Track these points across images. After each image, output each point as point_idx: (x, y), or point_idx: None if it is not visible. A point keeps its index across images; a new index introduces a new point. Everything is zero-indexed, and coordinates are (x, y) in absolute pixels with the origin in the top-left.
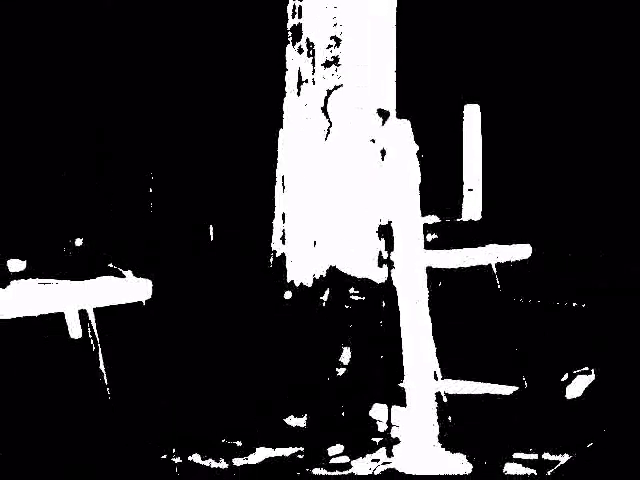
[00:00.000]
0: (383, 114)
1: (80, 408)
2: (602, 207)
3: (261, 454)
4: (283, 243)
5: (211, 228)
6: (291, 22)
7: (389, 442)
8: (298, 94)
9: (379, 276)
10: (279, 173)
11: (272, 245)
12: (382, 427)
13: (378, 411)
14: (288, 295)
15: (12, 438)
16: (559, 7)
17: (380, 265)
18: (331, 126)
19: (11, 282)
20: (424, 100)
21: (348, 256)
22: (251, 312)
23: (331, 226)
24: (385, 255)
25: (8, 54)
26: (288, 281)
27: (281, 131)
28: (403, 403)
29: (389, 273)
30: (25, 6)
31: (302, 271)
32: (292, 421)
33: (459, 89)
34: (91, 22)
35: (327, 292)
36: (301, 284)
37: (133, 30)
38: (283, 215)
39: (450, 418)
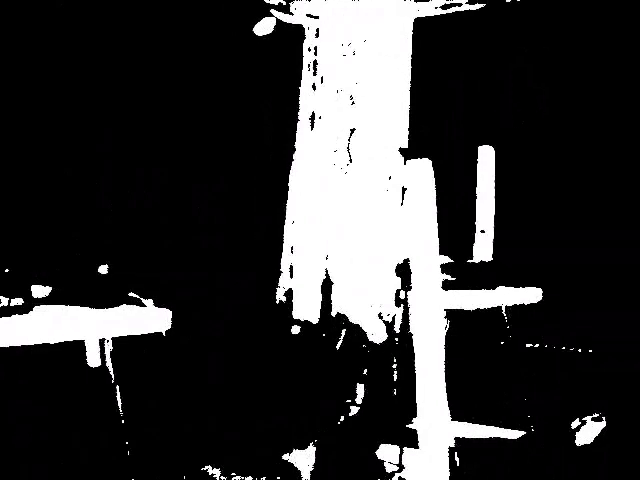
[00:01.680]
0: (405, 153)
1: (95, 437)
2: (612, 256)
3: None
4: (291, 277)
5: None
6: (307, 59)
7: None
8: (312, 128)
9: (392, 317)
10: (290, 206)
11: (280, 279)
12: (391, 468)
13: (387, 452)
14: (296, 330)
15: (30, 464)
16: (569, 51)
17: (397, 305)
18: (351, 162)
19: (34, 308)
20: (438, 141)
21: (361, 296)
22: (261, 345)
23: (344, 262)
24: (402, 295)
25: None
26: (295, 317)
27: (293, 164)
28: (411, 444)
29: (405, 312)
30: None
31: (311, 308)
32: (290, 457)
33: (474, 131)
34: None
35: (343, 331)
36: (308, 321)
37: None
38: (291, 249)
39: (458, 461)
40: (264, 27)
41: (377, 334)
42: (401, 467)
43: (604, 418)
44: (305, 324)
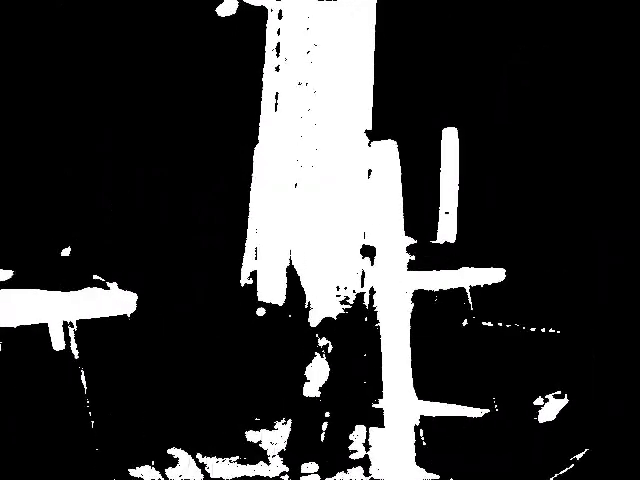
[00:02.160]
0: (370, 134)
1: (59, 420)
2: (576, 236)
3: (227, 470)
4: (255, 259)
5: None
6: (270, 40)
7: (367, 461)
8: (275, 109)
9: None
10: (253, 187)
11: (244, 262)
12: (359, 447)
13: (353, 431)
14: (261, 312)
15: None
16: (536, 27)
17: (362, 285)
18: (315, 144)
19: None
20: (403, 122)
21: (324, 277)
22: (227, 327)
23: (308, 245)
24: (368, 274)
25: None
26: (260, 299)
27: (256, 148)
28: (377, 423)
29: (371, 292)
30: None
31: (275, 289)
32: (253, 436)
33: (438, 112)
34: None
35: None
36: (271, 303)
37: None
38: (256, 231)
39: (423, 439)
40: (227, 8)
41: (337, 313)
42: (367, 446)
43: (566, 395)
44: (270, 306)
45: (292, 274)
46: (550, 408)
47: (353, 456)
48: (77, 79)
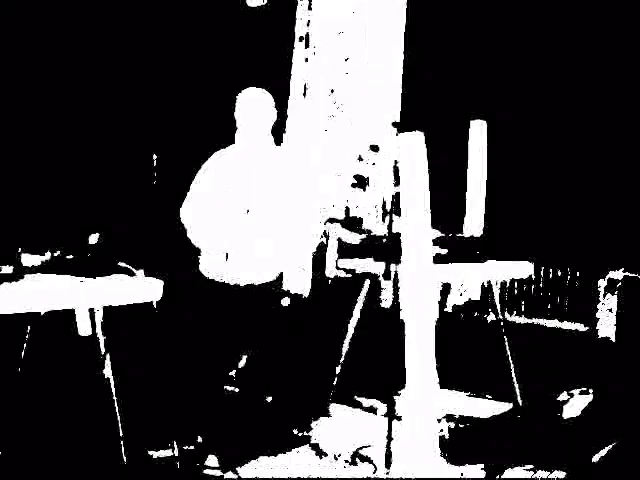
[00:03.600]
0: (397, 126)
1: (85, 406)
2: (605, 228)
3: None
4: None
5: None
6: (300, 31)
7: (388, 454)
8: (304, 96)
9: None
10: None
11: None
12: (382, 439)
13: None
14: (286, 302)
15: (15, 432)
16: (568, 22)
17: (387, 278)
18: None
19: (25, 276)
20: (431, 115)
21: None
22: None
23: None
24: (392, 267)
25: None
26: (285, 289)
27: (285, 133)
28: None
29: (395, 285)
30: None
31: (300, 279)
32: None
33: (466, 104)
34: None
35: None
36: (296, 293)
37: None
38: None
39: (447, 433)
40: None
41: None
42: (390, 438)
43: (591, 391)
44: (295, 296)
45: (320, 264)
46: (575, 403)
47: (376, 448)
48: (92, 73)
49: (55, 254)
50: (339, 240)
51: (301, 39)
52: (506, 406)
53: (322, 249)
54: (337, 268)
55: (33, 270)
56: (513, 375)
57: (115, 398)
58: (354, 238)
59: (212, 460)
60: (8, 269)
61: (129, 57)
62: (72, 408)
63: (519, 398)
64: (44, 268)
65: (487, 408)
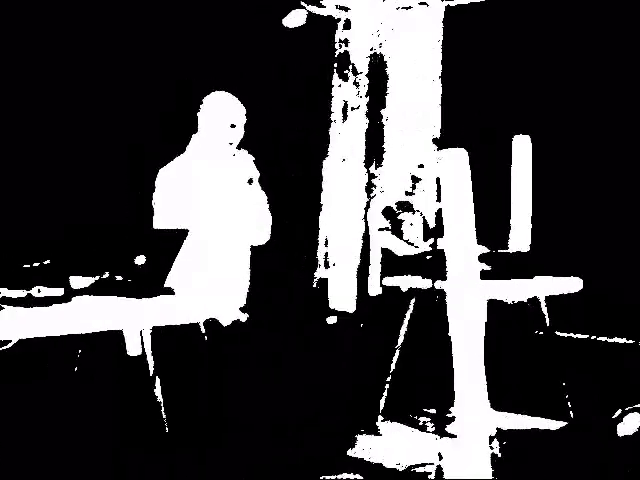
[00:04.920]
0: (438, 142)
1: (135, 426)
2: None
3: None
4: (326, 268)
5: None
6: (339, 50)
7: (439, 472)
8: (344, 119)
9: None
10: (324, 198)
11: (316, 271)
12: (432, 457)
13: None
14: (332, 320)
15: (69, 452)
16: (609, 38)
17: (435, 296)
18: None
19: (74, 298)
20: (474, 130)
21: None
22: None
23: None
24: (438, 284)
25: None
26: (331, 307)
27: (326, 160)
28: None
29: (441, 301)
30: None
31: (346, 296)
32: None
33: (510, 120)
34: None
35: None
36: (342, 311)
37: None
38: (326, 239)
39: (498, 450)
40: (295, 19)
41: None
42: (440, 456)
43: None
44: (341, 314)
45: (363, 282)
46: (629, 421)
47: (426, 467)
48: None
49: (103, 276)
50: (385, 252)
51: (340, 58)
52: (559, 424)
53: (367, 265)
54: (381, 286)
55: (82, 292)
56: (565, 392)
57: (165, 416)
58: (406, 249)
59: None
60: (58, 291)
61: (170, 78)
62: (123, 428)
63: (572, 415)
64: (92, 289)
65: (539, 425)
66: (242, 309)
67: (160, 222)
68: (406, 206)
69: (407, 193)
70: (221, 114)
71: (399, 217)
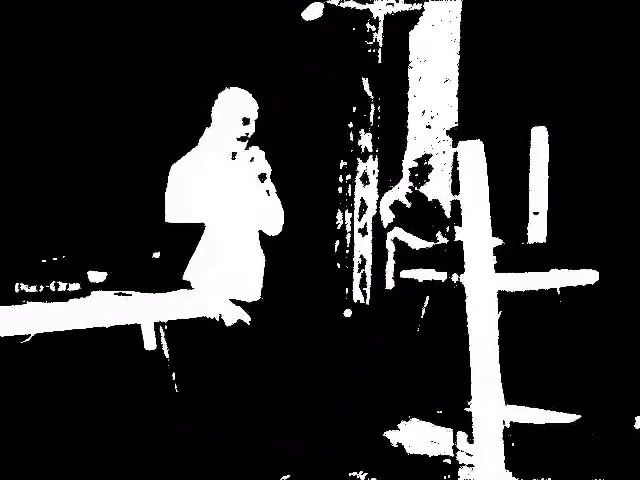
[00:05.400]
0: (453, 134)
1: (152, 420)
2: None
3: None
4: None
5: None
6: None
7: (455, 466)
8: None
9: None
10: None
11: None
12: (448, 452)
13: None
14: (348, 314)
15: (86, 445)
16: (627, 31)
17: (450, 288)
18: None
19: (91, 293)
20: (491, 122)
21: None
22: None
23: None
24: (454, 277)
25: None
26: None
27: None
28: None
29: (459, 294)
30: None
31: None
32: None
33: (527, 111)
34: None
35: None
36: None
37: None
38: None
39: (513, 444)
40: (312, 12)
41: None
42: (455, 450)
43: None
44: (357, 306)
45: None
46: None
47: (443, 460)
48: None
49: (120, 270)
50: (399, 246)
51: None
52: (574, 417)
53: (384, 258)
54: (397, 278)
55: (99, 286)
56: (580, 385)
57: (182, 410)
58: (419, 243)
59: None
60: (76, 286)
61: (192, 76)
62: (138, 421)
63: (587, 408)
64: (110, 284)
65: (555, 419)
66: (256, 304)
67: (173, 217)
68: (416, 198)
69: (417, 185)
70: (235, 109)
71: (410, 209)
